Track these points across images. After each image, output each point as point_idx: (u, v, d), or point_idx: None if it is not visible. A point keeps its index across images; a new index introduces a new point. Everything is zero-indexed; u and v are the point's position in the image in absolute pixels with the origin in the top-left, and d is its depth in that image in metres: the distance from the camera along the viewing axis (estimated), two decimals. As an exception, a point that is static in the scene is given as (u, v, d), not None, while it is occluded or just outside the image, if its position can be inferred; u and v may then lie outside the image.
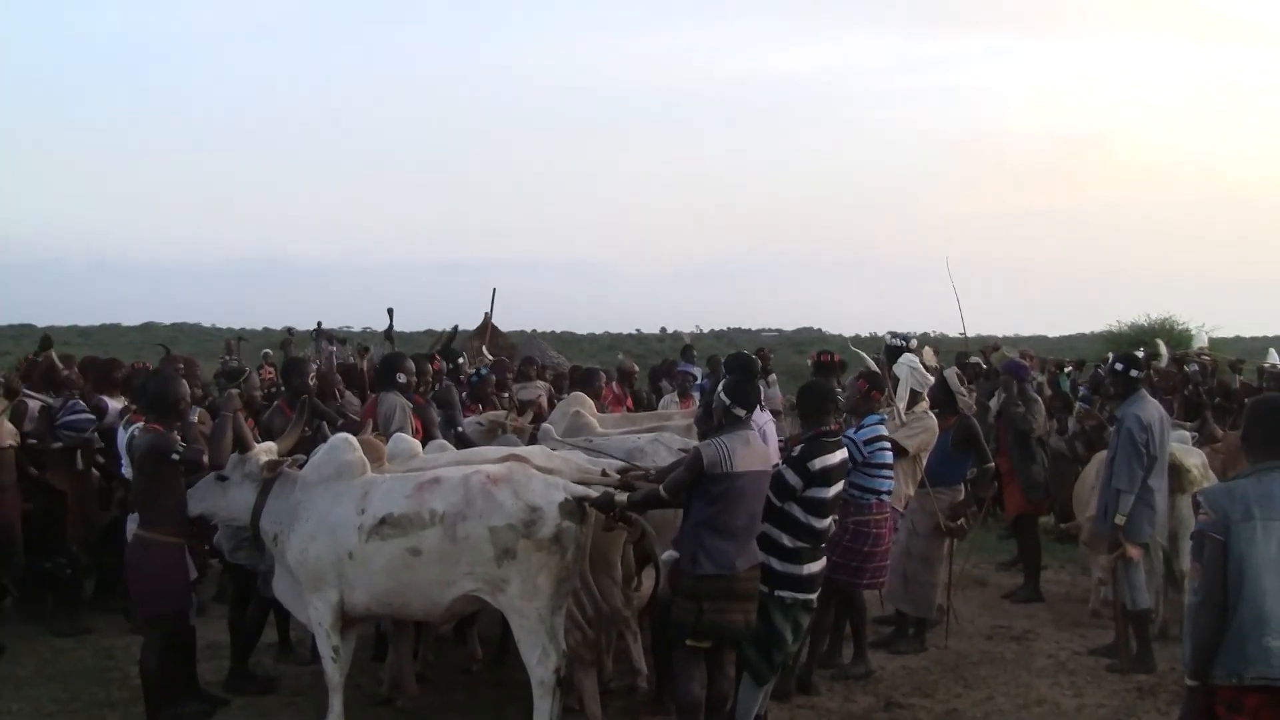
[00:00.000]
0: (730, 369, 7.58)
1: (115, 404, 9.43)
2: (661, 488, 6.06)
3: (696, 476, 5.87)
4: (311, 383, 8.67)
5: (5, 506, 8.74)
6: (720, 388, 6.24)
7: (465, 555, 6.14)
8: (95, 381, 9.98)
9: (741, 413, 6.06)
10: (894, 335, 9.73)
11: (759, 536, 6.15)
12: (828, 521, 6.39)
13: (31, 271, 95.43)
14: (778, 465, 6.34)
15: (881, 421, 7.97)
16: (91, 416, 9.30)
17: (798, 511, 6.26)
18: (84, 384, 9.96)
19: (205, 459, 6.68)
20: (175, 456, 6.64)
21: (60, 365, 10.10)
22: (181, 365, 8.93)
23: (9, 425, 8.83)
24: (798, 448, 6.39)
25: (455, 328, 13.04)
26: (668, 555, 6.25)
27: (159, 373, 7.23)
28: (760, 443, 6.19)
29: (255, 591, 7.71)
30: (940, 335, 29.88)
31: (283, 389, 9.07)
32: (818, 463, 6.26)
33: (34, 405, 9.31)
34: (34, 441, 9.10)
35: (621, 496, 6.24)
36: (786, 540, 6.26)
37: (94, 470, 9.45)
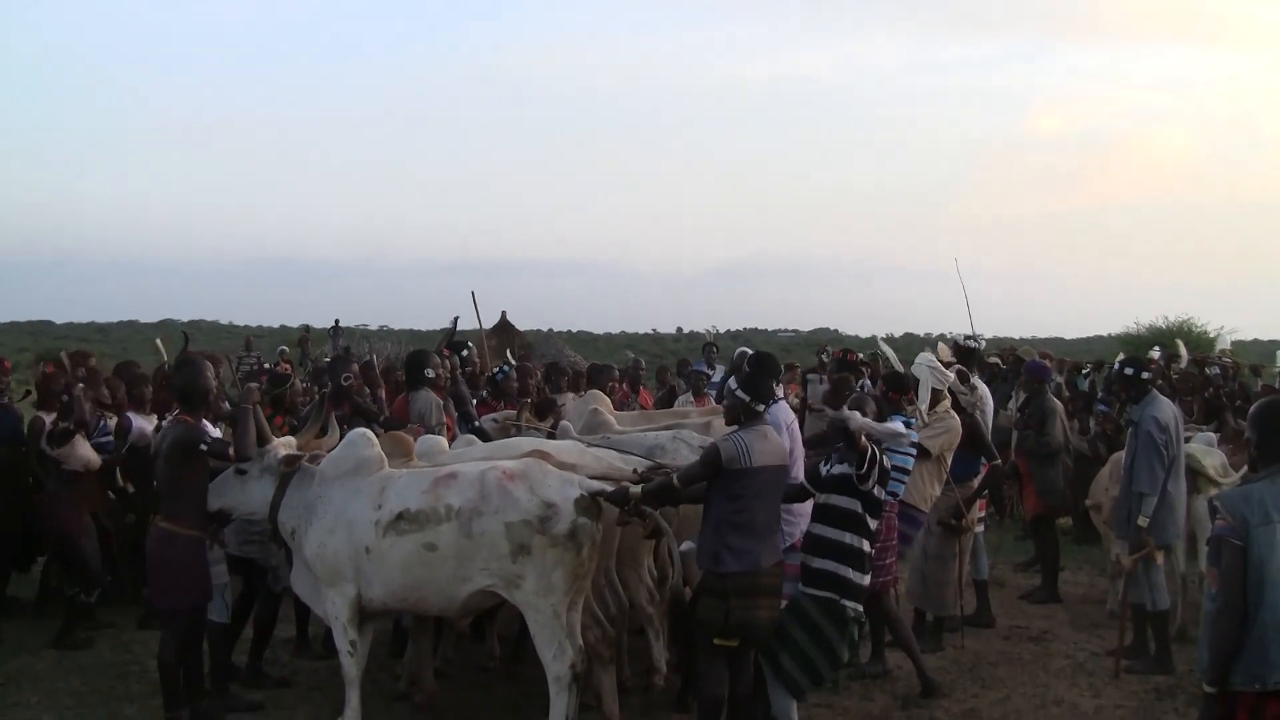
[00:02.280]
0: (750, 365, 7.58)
1: (142, 423, 9.24)
2: (675, 478, 6.08)
3: (714, 472, 5.88)
4: (351, 380, 8.72)
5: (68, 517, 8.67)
6: (735, 383, 6.24)
7: (481, 551, 6.16)
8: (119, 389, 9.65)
9: (759, 407, 6.07)
10: (967, 338, 9.81)
11: (833, 546, 6.22)
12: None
13: (48, 268, 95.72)
14: (832, 468, 6.35)
15: (907, 424, 7.94)
16: (111, 438, 9.15)
17: (869, 518, 6.32)
18: (112, 396, 9.57)
19: (231, 451, 6.72)
20: (204, 448, 6.68)
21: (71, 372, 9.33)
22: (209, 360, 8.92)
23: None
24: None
25: (455, 320, 13.00)
26: (685, 547, 6.27)
27: (187, 363, 7.21)
28: (776, 437, 6.19)
29: (264, 588, 7.76)
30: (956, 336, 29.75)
31: (322, 387, 9.11)
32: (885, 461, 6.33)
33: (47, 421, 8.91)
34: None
35: (636, 489, 6.25)
36: (867, 547, 6.32)
37: (112, 491, 9.38)
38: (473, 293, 13.73)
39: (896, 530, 7.93)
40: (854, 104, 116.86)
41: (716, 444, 6.00)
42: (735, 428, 6.08)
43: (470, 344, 12.07)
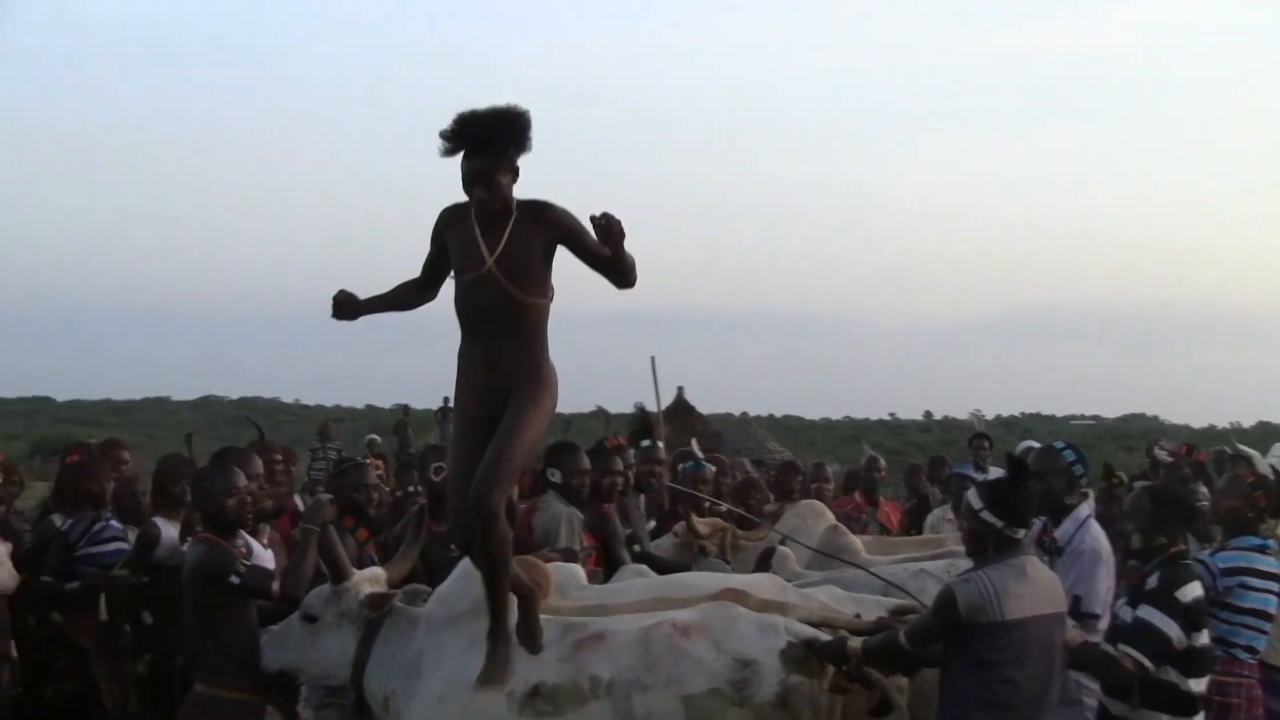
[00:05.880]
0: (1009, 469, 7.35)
1: (173, 533, 9.04)
2: (902, 634, 5.93)
3: (950, 626, 5.76)
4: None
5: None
6: (977, 498, 6.04)
7: (650, 739, 6.09)
8: (151, 494, 9.52)
9: (1016, 533, 5.89)
10: None
11: None
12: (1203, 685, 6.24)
13: (48, 327, 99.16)
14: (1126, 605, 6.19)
15: (1262, 549, 7.65)
16: (123, 545, 9.10)
17: (1175, 676, 6.12)
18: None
19: (275, 586, 6.74)
20: (235, 580, 6.69)
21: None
22: (278, 455, 9.06)
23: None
24: (1152, 577, 6.19)
25: (640, 407, 12.81)
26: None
27: (220, 463, 7.33)
28: (1045, 572, 6.04)
29: None
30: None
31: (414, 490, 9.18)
32: (1187, 592, 6.12)
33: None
34: (49, 580, 8.91)
35: (855, 643, 6.08)
36: None
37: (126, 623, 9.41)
38: (652, 359, 13.53)
39: (1258, 704, 7.59)
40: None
41: (951, 587, 5.85)
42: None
43: (658, 440, 11.80)
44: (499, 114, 6.15)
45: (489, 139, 6.11)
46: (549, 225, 6.23)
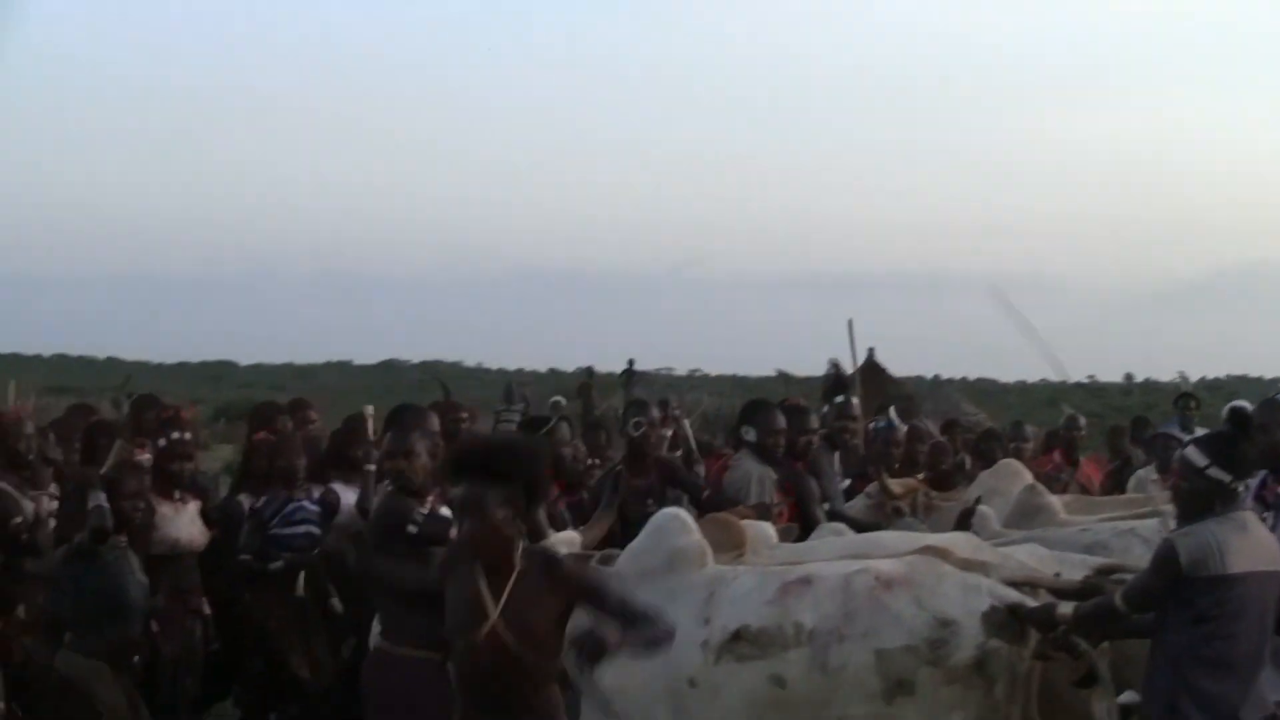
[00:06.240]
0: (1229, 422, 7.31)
1: (351, 498, 9.32)
2: (1118, 597, 5.90)
3: (1170, 582, 5.73)
4: (645, 429, 8.97)
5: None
6: (1200, 453, 5.99)
7: (840, 691, 6.13)
8: (330, 457, 9.86)
9: (1237, 486, 5.87)
10: None
11: None
12: None
13: (230, 290, 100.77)
14: None
15: None
16: (313, 528, 9.24)
17: None
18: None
19: (453, 534, 6.67)
20: (413, 529, 6.85)
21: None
22: (465, 414, 9.22)
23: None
24: None
25: (834, 363, 12.68)
26: (1127, 697, 6.12)
27: (414, 413, 7.54)
28: (1263, 530, 6.00)
29: None
30: None
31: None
32: None
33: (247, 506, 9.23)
34: (248, 559, 9.12)
35: (1066, 608, 6.06)
36: None
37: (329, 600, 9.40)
38: (849, 322, 13.43)
39: None
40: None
41: (1172, 541, 5.82)
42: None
43: (852, 395, 11.79)
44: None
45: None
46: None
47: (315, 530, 9.20)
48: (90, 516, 7.48)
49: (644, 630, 5.25)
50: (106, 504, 7.42)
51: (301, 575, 9.16)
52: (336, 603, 9.29)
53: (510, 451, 5.33)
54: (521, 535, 5.26)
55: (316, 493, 9.35)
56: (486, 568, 5.20)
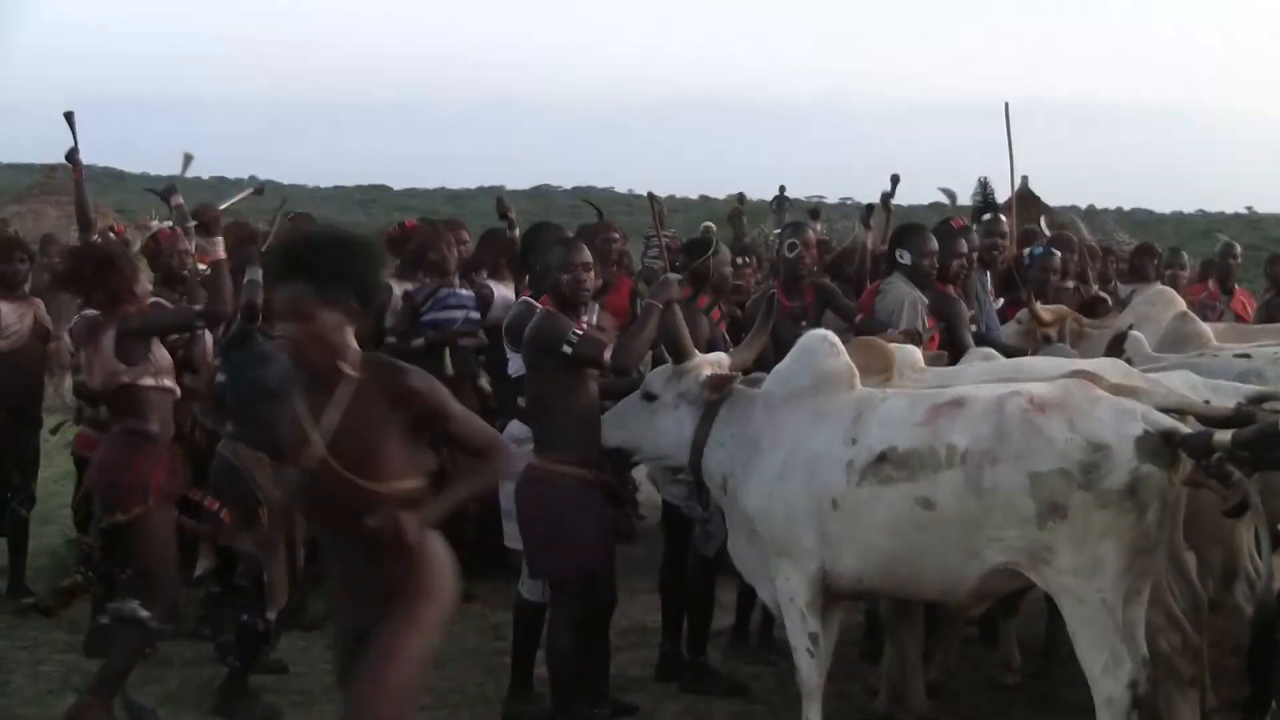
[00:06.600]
0: None
1: (506, 292, 9.73)
2: None
3: None
4: (800, 251, 9.00)
5: None
6: None
7: (994, 513, 6.11)
8: (480, 258, 10.30)
9: None
10: None
11: None
12: None
13: (383, 112, 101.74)
14: None
15: None
16: (474, 314, 9.58)
17: None
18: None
19: (607, 356, 6.85)
20: (567, 349, 6.81)
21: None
22: (617, 235, 9.26)
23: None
24: None
25: (983, 181, 12.34)
26: (1279, 529, 6.03)
27: (555, 240, 7.55)
28: None
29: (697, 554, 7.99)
30: None
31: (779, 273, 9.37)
32: None
33: (397, 291, 9.62)
34: (394, 339, 9.46)
35: (1224, 435, 5.87)
36: None
37: (480, 384, 9.75)
38: (1006, 105, 12.97)
39: None
40: None
41: None
42: None
43: (1000, 213, 11.59)
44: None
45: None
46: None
47: (473, 314, 9.51)
48: (244, 290, 7.61)
49: (480, 469, 5.11)
50: (261, 279, 7.36)
51: (448, 355, 9.50)
52: (485, 383, 9.49)
53: (335, 248, 4.93)
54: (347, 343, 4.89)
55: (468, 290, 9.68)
56: (310, 380, 4.91)
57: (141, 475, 7.13)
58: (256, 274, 7.48)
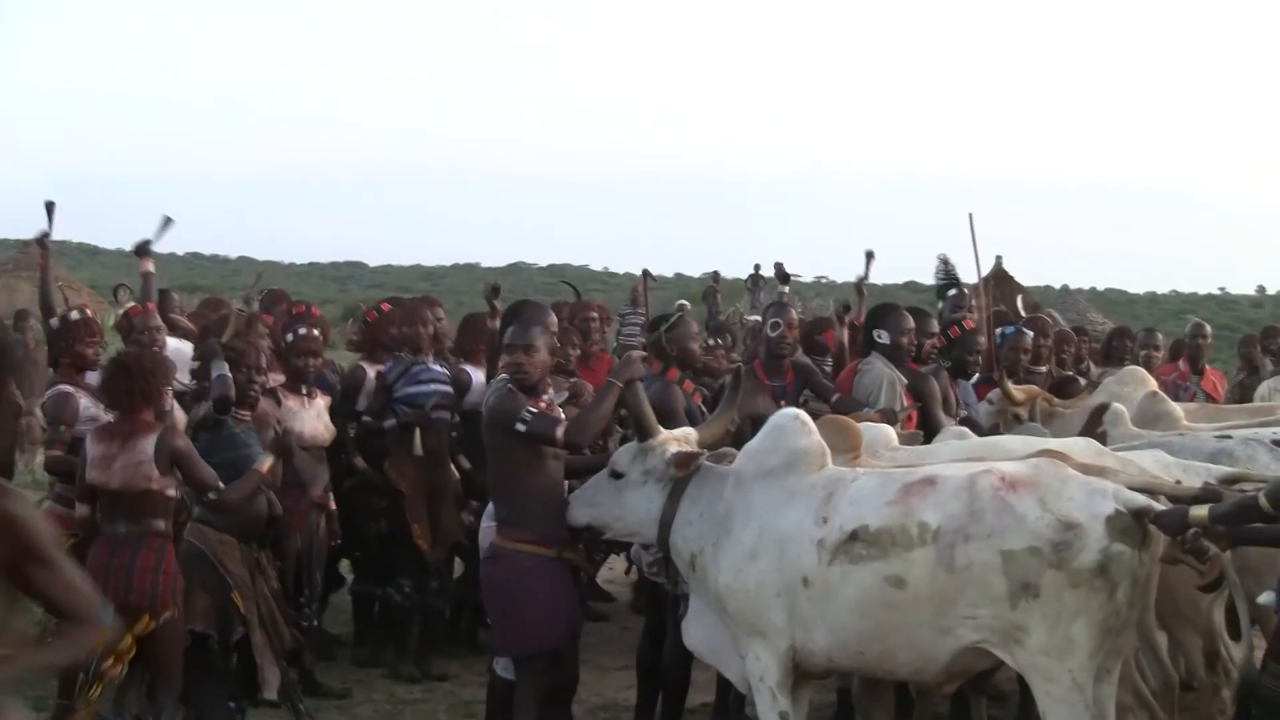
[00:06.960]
0: None
1: (481, 379, 9.62)
2: (1262, 495, 5.74)
3: None
4: (783, 331, 9.04)
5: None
6: None
7: (966, 591, 6.12)
8: (461, 342, 10.30)
9: None
10: None
11: None
12: None
13: (358, 193, 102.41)
14: None
15: None
16: (446, 388, 9.58)
17: None
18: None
19: (560, 433, 6.89)
20: (520, 427, 6.85)
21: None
22: (594, 314, 9.29)
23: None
24: None
25: (944, 259, 12.44)
26: (1265, 598, 6.03)
27: (534, 309, 7.60)
28: None
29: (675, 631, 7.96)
30: None
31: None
32: None
33: (370, 373, 9.69)
34: (368, 420, 9.60)
35: (1200, 511, 5.92)
36: None
37: (452, 465, 9.72)
38: (970, 215, 13.16)
39: None
40: None
41: None
42: None
43: (965, 288, 11.63)
44: None
45: None
46: None
47: (446, 389, 9.53)
48: (213, 386, 7.73)
49: (72, 637, 4.00)
50: (229, 374, 7.70)
51: (417, 434, 9.40)
52: (464, 460, 9.54)
53: None
54: None
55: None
56: None
57: (172, 577, 7.16)
58: (223, 368, 7.72)
